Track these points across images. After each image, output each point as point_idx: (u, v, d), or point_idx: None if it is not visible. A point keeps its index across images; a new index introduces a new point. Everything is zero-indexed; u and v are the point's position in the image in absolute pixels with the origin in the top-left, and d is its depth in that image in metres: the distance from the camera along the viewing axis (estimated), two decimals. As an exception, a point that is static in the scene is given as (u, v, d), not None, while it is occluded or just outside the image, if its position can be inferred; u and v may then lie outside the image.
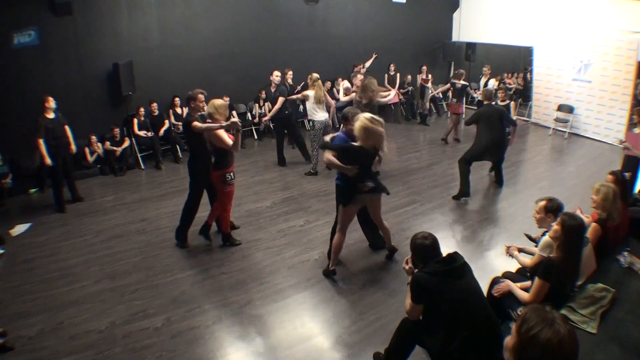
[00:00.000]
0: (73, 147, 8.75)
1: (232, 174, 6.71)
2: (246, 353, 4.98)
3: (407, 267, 4.30)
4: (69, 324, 5.42)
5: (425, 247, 3.93)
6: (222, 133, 6.35)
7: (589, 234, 4.89)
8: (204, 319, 5.50)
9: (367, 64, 14.03)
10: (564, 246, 4.05)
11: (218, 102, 6.61)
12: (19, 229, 7.89)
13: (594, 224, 4.98)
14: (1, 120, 9.27)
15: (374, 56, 14.20)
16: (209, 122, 6.42)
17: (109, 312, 5.63)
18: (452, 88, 12.54)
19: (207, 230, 7.35)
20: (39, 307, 5.75)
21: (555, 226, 4.18)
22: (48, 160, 8.17)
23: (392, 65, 14.58)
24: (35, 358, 4.89)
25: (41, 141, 8.06)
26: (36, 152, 9.18)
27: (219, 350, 5.02)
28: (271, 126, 12.85)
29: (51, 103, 8.23)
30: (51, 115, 8.27)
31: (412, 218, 7.86)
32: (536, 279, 4.06)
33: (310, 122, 10.04)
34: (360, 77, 9.60)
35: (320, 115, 9.86)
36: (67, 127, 8.61)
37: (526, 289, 4.30)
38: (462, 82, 12.27)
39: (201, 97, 6.70)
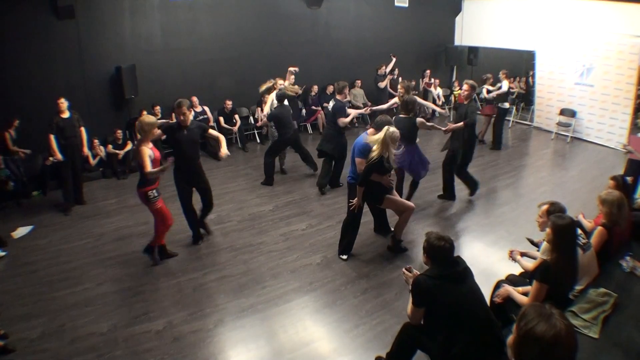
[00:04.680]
0: (85, 150, 8.95)
1: (155, 191, 6.41)
2: (248, 357, 4.99)
3: (408, 273, 4.28)
4: (71, 327, 5.43)
5: (440, 248, 3.85)
6: (146, 157, 6.12)
7: (594, 238, 4.88)
8: (206, 322, 5.51)
9: (389, 67, 14.07)
10: (557, 246, 4.05)
11: (146, 119, 6.31)
12: (21, 231, 7.91)
13: (600, 228, 4.96)
14: (4, 123, 9.28)
15: (394, 59, 14.23)
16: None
17: (111, 315, 5.64)
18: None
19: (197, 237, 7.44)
20: (40, 309, 5.76)
21: (547, 229, 4.19)
22: (59, 156, 8.41)
23: (395, 69, 14.55)
24: (37, 360, 4.90)
25: (52, 137, 8.33)
26: (37, 156, 9.25)
27: (221, 354, 5.03)
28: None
29: (61, 105, 8.43)
30: (65, 115, 8.48)
31: (414, 223, 7.82)
32: (534, 282, 4.05)
33: None
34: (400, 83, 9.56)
35: None
36: (82, 129, 8.79)
37: (527, 294, 4.29)
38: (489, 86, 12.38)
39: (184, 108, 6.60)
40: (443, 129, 8.47)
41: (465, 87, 8.47)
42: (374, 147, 6.07)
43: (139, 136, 6.29)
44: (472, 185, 9.07)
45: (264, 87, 10.18)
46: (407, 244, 7.24)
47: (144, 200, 6.42)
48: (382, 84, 13.87)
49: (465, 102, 8.46)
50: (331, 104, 9.18)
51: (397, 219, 6.94)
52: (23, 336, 5.24)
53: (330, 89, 13.88)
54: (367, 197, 6.52)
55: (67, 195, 8.82)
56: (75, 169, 8.82)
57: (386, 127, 6.01)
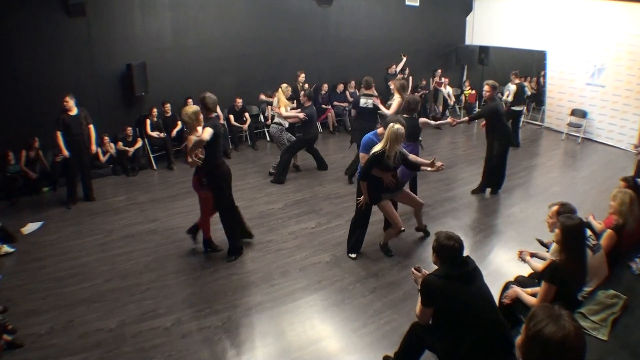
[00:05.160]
0: (93, 147, 8.97)
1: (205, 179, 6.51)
2: (255, 354, 4.99)
3: (417, 273, 4.27)
4: (79, 322, 5.45)
5: (450, 248, 3.82)
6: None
7: (603, 240, 4.86)
8: (214, 319, 5.52)
9: (399, 66, 14.02)
10: (565, 247, 4.02)
11: (191, 109, 6.34)
12: (31, 227, 7.94)
13: (609, 231, 4.94)
14: (15, 120, 9.35)
15: (404, 58, 14.16)
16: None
17: (119, 311, 5.66)
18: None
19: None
20: (49, 305, 5.79)
21: (556, 230, 4.17)
22: (65, 152, 8.46)
23: (406, 68, 14.51)
24: (45, 355, 4.93)
25: (59, 134, 8.41)
26: (48, 152, 9.29)
27: (229, 351, 5.03)
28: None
29: (67, 103, 8.45)
30: (73, 112, 8.52)
31: (424, 221, 7.80)
32: (542, 283, 4.03)
33: None
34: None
35: None
36: (90, 127, 8.83)
37: (536, 295, 4.27)
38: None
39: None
40: (453, 123, 8.52)
41: (485, 87, 8.45)
42: (379, 143, 6.13)
43: (185, 130, 6.37)
44: (499, 180, 9.17)
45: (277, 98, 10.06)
46: (417, 243, 7.26)
47: (197, 187, 6.56)
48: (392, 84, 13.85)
49: (488, 102, 8.49)
50: (365, 100, 9.37)
51: (406, 218, 6.97)
52: (31, 331, 5.26)
53: (341, 87, 13.92)
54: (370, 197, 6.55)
55: (72, 191, 8.89)
56: (82, 166, 8.88)
57: (390, 125, 6.01)
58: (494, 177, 9.07)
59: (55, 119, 8.45)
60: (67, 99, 8.44)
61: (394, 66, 13.93)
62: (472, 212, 8.54)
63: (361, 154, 6.71)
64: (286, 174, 9.97)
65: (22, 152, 9.27)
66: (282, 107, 9.79)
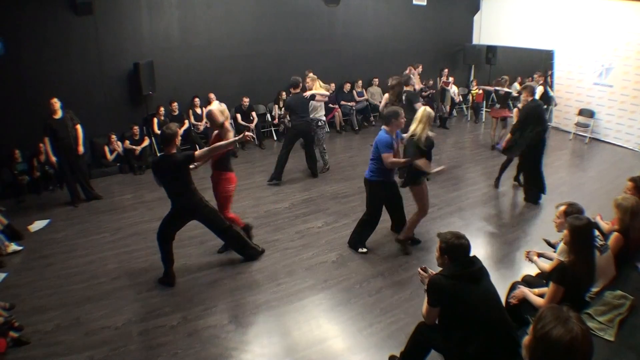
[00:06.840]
0: (80, 149, 8.78)
1: None
2: (261, 353, 4.98)
3: (423, 273, 4.26)
4: (85, 320, 5.47)
5: (460, 246, 3.82)
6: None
7: (610, 242, 4.83)
8: (220, 318, 5.53)
9: (416, 79, 14.09)
10: (574, 248, 4.01)
11: (217, 108, 6.50)
12: (38, 225, 7.98)
13: (616, 233, 4.91)
14: (22, 118, 9.39)
15: (419, 68, 14.37)
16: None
17: (126, 309, 5.68)
18: (495, 94, 12.53)
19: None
20: (55, 302, 5.82)
21: (564, 231, 4.15)
22: (52, 158, 8.50)
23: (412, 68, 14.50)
24: (51, 353, 4.94)
25: (46, 140, 8.42)
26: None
27: (234, 349, 5.03)
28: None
29: (54, 105, 8.42)
30: (57, 116, 8.46)
31: (429, 222, 7.76)
32: (550, 284, 4.01)
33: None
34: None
35: None
36: (78, 127, 8.73)
37: (543, 295, 4.25)
38: (505, 89, 12.20)
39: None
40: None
41: (523, 94, 8.37)
42: (413, 127, 6.30)
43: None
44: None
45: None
46: (424, 243, 7.24)
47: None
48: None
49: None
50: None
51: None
52: (38, 329, 5.29)
53: (348, 86, 13.90)
54: (381, 197, 6.65)
55: (72, 192, 8.92)
56: (74, 168, 8.81)
57: (423, 107, 6.32)
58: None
59: (42, 125, 8.40)
60: (55, 100, 8.42)
61: (412, 69, 13.91)
62: (478, 212, 8.49)
63: (385, 154, 6.25)
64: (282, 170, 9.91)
65: (33, 160, 9.37)
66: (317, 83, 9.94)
